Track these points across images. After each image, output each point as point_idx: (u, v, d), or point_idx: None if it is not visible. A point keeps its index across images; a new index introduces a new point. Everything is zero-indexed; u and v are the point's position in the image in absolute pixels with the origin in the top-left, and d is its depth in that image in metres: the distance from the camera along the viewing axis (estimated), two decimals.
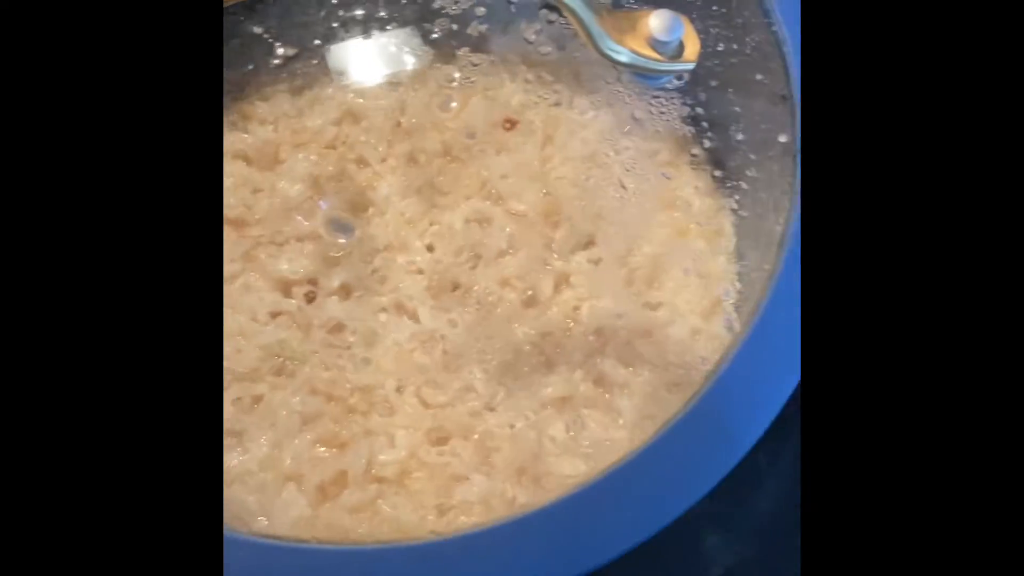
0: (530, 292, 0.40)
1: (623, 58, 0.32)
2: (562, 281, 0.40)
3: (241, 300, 0.40)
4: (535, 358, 0.39)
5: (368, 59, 0.45)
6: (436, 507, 0.37)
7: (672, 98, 0.40)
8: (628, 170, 0.37)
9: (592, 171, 0.38)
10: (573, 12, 0.31)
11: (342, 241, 0.41)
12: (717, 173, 0.42)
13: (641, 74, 0.33)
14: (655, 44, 0.32)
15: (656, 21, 0.34)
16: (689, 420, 0.32)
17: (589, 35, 0.30)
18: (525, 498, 0.37)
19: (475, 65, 0.43)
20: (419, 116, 0.44)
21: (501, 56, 0.43)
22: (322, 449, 0.38)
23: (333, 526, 0.37)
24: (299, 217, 0.41)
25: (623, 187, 0.37)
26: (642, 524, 0.32)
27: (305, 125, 0.43)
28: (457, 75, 0.43)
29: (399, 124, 0.44)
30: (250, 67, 0.43)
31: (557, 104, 0.41)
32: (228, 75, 0.43)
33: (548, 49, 0.42)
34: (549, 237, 0.41)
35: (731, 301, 0.39)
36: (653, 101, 0.39)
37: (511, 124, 0.43)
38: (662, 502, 0.33)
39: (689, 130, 0.42)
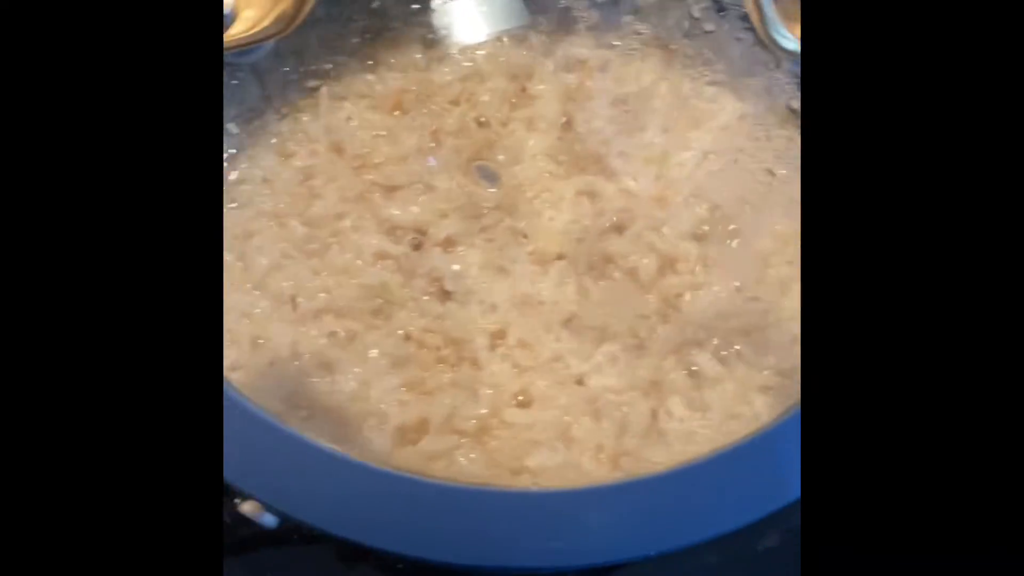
0: (632, 271, 0.40)
1: (790, 46, 0.31)
2: (668, 266, 0.40)
3: (348, 238, 0.41)
4: (629, 338, 0.39)
5: (508, 13, 0.45)
6: (510, 468, 0.37)
7: None
8: (778, 157, 0.37)
9: (740, 152, 0.37)
10: None
11: (492, 181, 0.41)
12: None
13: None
14: None
15: None
16: (780, 431, 0.31)
17: (762, 17, 0.30)
18: (600, 474, 0.37)
19: (638, 34, 0.43)
20: (546, 83, 0.43)
21: (664, 27, 0.42)
22: (408, 393, 0.38)
23: (407, 469, 0.37)
24: (416, 166, 0.42)
25: (771, 173, 0.36)
26: (710, 522, 0.32)
27: (431, 79, 0.44)
28: (618, 43, 0.43)
29: (524, 89, 0.44)
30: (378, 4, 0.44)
31: (713, 83, 0.40)
32: (364, 21, 0.44)
33: (711, 27, 0.41)
34: (660, 220, 0.40)
35: None
36: None
37: (633, 104, 0.43)
38: (736, 506, 0.32)
39: None
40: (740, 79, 0.39)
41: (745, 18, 0.29)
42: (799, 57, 0.30)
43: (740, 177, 0.37)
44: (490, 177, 0.41)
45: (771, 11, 0.29)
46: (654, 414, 0.38)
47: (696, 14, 0.41)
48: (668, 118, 0.42)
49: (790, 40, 0.30)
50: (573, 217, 0.41)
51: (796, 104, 0.37)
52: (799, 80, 0.37)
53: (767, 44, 0.30)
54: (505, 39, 0.45)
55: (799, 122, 0.37)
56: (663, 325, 0.39)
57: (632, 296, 0.40)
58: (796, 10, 0.30)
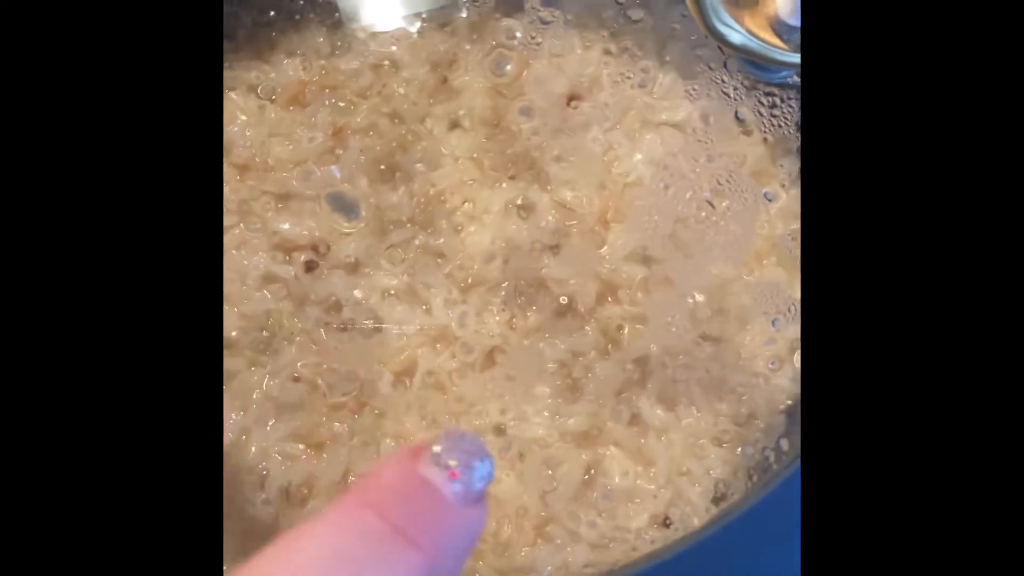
0: (565, 300, 0.34)
1: (736, 39, 0.24)
2: (608, 293, 0.34)
3: (229, 257, 0.34)
4: (560, 380, 0.33)
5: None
6: None
7: (790, 99, 0.31)
8: (719, 185, 0.29)
9: (673, 178, 0.30)
10: None
11: (356, 208, 0.35)
12: None
13: (755, 63, 0.25)
14: (779, 27, 0.24)
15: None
16: (754, 514, 0.25)
17: (699, 4, 0.23)
18: (522, 544, 0.31)
19: (545, 23, 0.36)
20: (472, 74, 0.37)
21: (578, 16, 0.35)
22: (296, 445, 0.32)
23: None
24: (315, 171, 0.35)
25: (710, 205, 0.29)
26: None
27: (336, 67, 0.37)
28: (519, 33, 0.36)
29: (445, 80, 0.37)
30: None
31: (641, 85, 0.33)
32: None
33: (640, 15, 0.34)
34: (600, 239, 0.34)
35: None
36: (764, 99, 0.31)
37: (577, 101, 0.36)
38: None
39: None
40: (677, 81, 0.32)
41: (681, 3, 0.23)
42: (750, 54, 0.23)
43: (671, 207, 0.31)
44: (368, 190, 0.34)
45: None
46: (588, 470, 0.32)
47: None
48: (614, 115, 0.36)
49: (738, 32, 0.23)
50: (500, 234, 0.35)
51: (745, 113, 0.30)
52: (751, 83, 0.30)
53: (709, 37, 0.23)
54: (424, 22, 0.38)
55: (749, 138, 0.31)
56: (601, 362, 0.33)
57: (566, 328, 0.34)
58: None
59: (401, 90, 0.37)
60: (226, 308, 0.33)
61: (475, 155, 0.36)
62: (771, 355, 0.32)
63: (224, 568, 0.27)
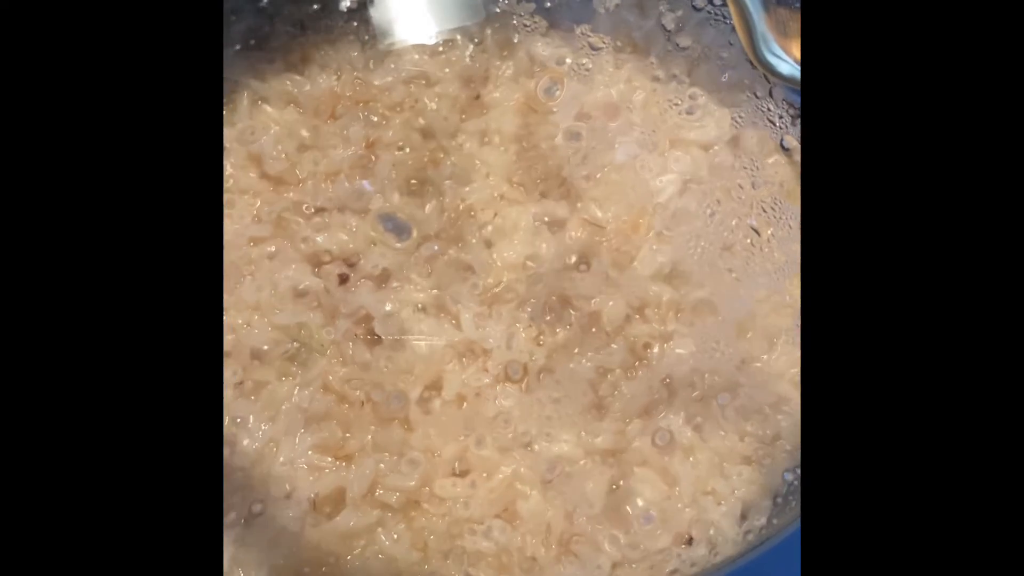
0: (593, 316, 0.34)
1: (784, 69, 0.24)
2: (635, 312, 0.34)
3: (262, 268, 0.34)
4: (587, 396, 0.33)
5: (462, 8, 0.38)
6: (441, 551, 0.31)
7: None
8: (764, 212, 0.30)
9: (719, 205, 0.31)
10: (738, 1, 0.23)
11: (408, 229, 0.35)
12: None
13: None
14: None
15: None
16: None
17: (750, 33, 0.23)
18: (548, 561, 0.31)
19: (595, 49, 0.36)
20: (503, 90, 0.37)
21: (627, 43, 0.36)
22: (323, 457, 0.32)
23: (318, 547, 0.32)
24: (346, 184, 0.36)
25: (755, 232, 0.30)
26: None
27: (370, 81, 0.37)
28: (569, 60, 0.36)
29: (478, 96, 0.37)
30: (316, 7, 0.38)
31: (689, 112, 0.34)
32: (291, 11, 0.37)
33: (688, 42, 0.34)
34: (629, 258, 0.34)
35: None
36: None
37: (612, 120, 0.37)
38: None
39: None
40: (723, 109, 0.32)
41: (731, 31, 0.23)
42: (797, 83, 0.23)
43: (716, 233, 0.31)
44: (402, 204, 0.34)
45: (762, 24, 0.22)
46: (614, 488, 0.32)
47: (669, 25, 0.34)
48: (644, 134, 0.36)
49: (786, 62, 0.23)
50: (529, 250, 0.35)
51: (789, 142, 0.31)
52: (796, 112, 0.30)
53: (756, 66, 0.23)
54: (458, 38, 0.38)
55: (794, 166, 0.31)
56: (628, 381, 0.33)
57: (593, 345, 0.34)
58: (793, 25, 0.23)
59: (433, 105, 0.37)
60: (257, 319, 0.34)
61: (506, 171, 0.36)
62: (798, 375, 0.32)
63: None
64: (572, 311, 0.34)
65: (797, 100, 0.25)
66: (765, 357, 0.33)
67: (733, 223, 0.30)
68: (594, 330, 0.34)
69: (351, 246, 0.35)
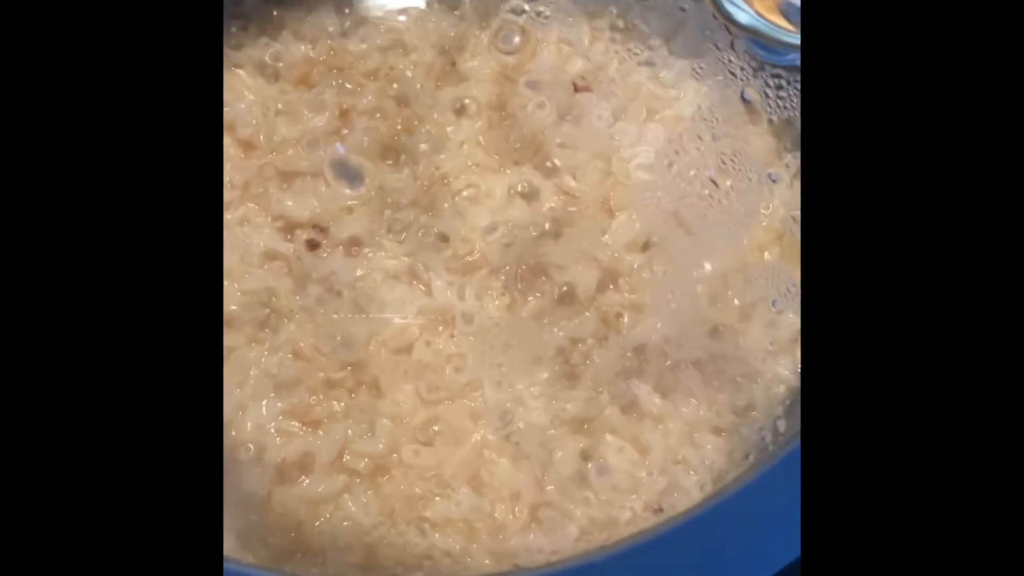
0: (566, 288, 0.34)
1: (744, 19, 0.23)
2: (609, 281, 0.34)
3: (232, 233, 0.34)
4: (558, 365, 0.33)
5: None
6: (406, 518, 0.31)
7: (797, 81, 0.31)
8: (724, 164, 0.29)
9: (677, 156, 0.30)
10: None
11: (359, 190, 0.35)
12: None
13: (763, 44, 0.25)
14: (788, 9, 0.24)
15: None
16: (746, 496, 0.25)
17: None
18: (516, 528, 0.31)
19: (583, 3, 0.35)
20: (480, 59, 0.37)
21: None
22: (292, 422, 0.32)
23: (286, 512, 0.31)
24: (320, 151, 0.35)
25: (714, 183, 0.29)
26: None
27: (345, 48, 0.37)
28: (527, 7, 0.36)
29: (453, 64, 0.37)
30: None
31: (649, 63, 0.33)
32: None
33: None
34: (603, 226, 0.34)
35: None
36: (771, 81, 0.30)
37: (583, 87, 0.36)
38: None
39: None
40: (684, 61, 0.32)
41: None
42: (758, 35, 0.23)
43: (674, 186, 0.30)
44: (370, 172, 0.34)
45: None
46: (584, 456, 0.32)
47: None
48: (617, 101, 0.36)
49: (745, 12, 0.23)
50: (503, 218, 0.35)
51: (751, 95, 0.30)
52: (758, 64, 0.30)
53: (716, 16, 0.23)
54: (435, 4, 0.38)
55: (755, 118, 0.31)
56: (599, 349, 0.33)
57: (566, 314, 0.34)
58: None
59: (408, 73, 0.37)
60: (227, 284, 0.34)
61: (480, 139, 0.36)
62: (771, 344, 0.32)
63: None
64: (545, 280, 0.34)
65: (759, 52, 0.25)
66: (737, 325, 0.33)
67: (691, 174, 0.30)
68: (567, 299, 0.34)
69: (321, 212, 0.35)
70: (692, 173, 0.29)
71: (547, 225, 0.35)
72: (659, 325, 0.32)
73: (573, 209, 0.35)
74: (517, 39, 0.35)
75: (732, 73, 0.30)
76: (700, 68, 0.31)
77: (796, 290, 0.32)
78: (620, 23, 0.34)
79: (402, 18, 0.38)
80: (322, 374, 0.33)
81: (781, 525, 0.24)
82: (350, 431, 0.32)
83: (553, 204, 0.35)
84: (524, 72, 0.36)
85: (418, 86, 0.37)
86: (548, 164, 0.35)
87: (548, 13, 0.35)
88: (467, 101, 0.37)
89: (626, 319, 0.33)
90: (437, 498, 0.31)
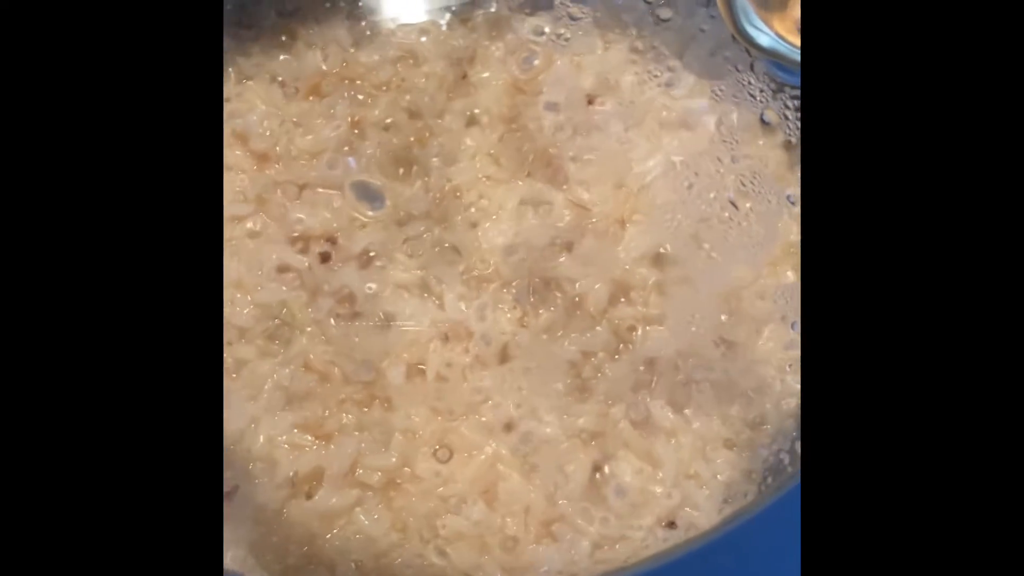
0: (578, 300, 0.34)
1: (764, 41, 0.23)
2: (621, 294, 0.34)
3: (245, 246, 0.34)
4: (571, 379, 0.33)
5: None
6: (419, 532, 0.31)
7: None
8: (743, 186, 0.29)
9: (697, 177, 0.30)
10: None
11: (381, 196, 0.34)
12: None
13: (782, 66, 0.25)
14: None
15: None
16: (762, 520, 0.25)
17: (728, 5, 0.22)
18: (529, 543, 0.31)
19: (573, 20, 0.36)
20: (491, 71, 0.37)
21: (606, 14, 0.35)
22: (304, 435, 0.32)
23: (298, 526, 0.31)
24: (329, 163, 0.35)
25: (733, 206, 0.29)
26: None
27: (357, 59, 0.37)
28: (547, 29, 0.36)
29: (465, 76, 0.37)
30: None
31: (668, 85, 0.33)
32: None
33: (669, 14, 0.34)
34: (616, 239, 0.34)
35: None
36: (790, 103, 0.31)
37: (598, 100, 0.36)
38: None
39: None
40: (703, 81, 0.32)
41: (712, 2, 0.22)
42: (778, 57, 0.23)
43: (694, 207, 0.30)
44: (384, 184, 0.34)
45: None
46: (596, 470, 0.32)
47: None
48: (632, 117, 0.36)
49: (766, 35, 0.23)
50: (515, 231, 0.35)
51: (770, 116, 0.30)
52: (777, 86, 0.30)
53: (736, 39, 0.23)
54: (447, 16, 0.38)
55: (774, 140, 0.31)
56: (611, 363, 0.33)
57: (577, 328, 0.34)
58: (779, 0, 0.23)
59: (420, 84, 0.37)
60: (239, 296, 0.34)
61: (492, 152, 0.36)
62: (785, 359, 0.32)
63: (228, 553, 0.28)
64: (557, 293, 0.34)
65: (779, 74, 0.25)
66: (751, 342, 0.33)
67: (711, 196, 0.30)
68: (578, 312, 0.34)
69: (334, 225, 0.35)
70: (712, 195, 0.29)
71: (559, 238, 0.35)
72: (672, 340, 0.32)
73: (585, 222, 0.35)
74: (537, 61, 0.35)
75: (751, 95, 0.30)
76: (720, 90, 0.31)
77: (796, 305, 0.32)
78: (639, 44, 0.34)
79: (414, 30, 0.38)
80: (334, 387, 0.33)
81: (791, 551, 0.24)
82: (363, 445, 0.32)
83: (565, 217, 0.35)
84: (537, 85, 0.37)
85: (428, 98, 0.37)
86: (560, 177, 0.36)
87: (568, 35, 0.35)
88: (478, 112, 0.37)
89: (639, 333, 0.33)
90: (449, 512, 0.31)
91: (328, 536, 0.31)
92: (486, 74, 0.37)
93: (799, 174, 0.30)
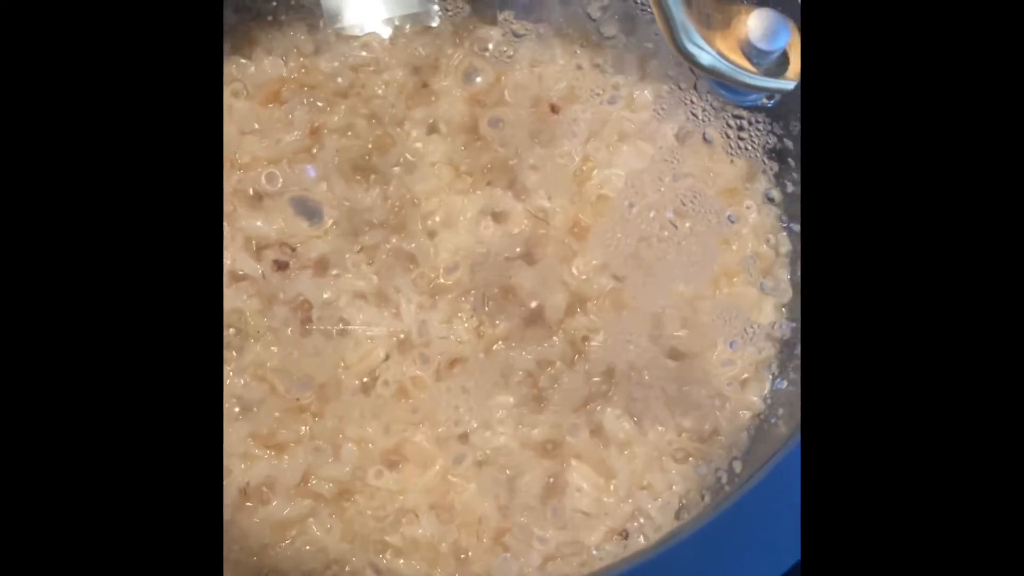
0: (535, 310, 0.34)
1: (705, 60, 0.23)
2: (577, 304, 0.34)
3: None
4: (526, 389, 0.33)
5: (407, 3, 0.38)
6: (372, 542, 0.31)
7: (758, 122, 0.31)
8: (684, 204, 0.29)
9: (639, 196, 0.30)
10: None
11: (320, 212, 0.34)
12: (796, 227, 0.34)
13: (725, 85, 0.25)
14: (750, 51, 0.24)
15: (756, 22, 0.24)
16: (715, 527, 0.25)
17: (669, 23, 0.22)
18: (481, 554, 0.31)
19: (517, 36, 0.36)
20: (452, 79, 0.37)
21: (555, 29, 0.35)
22: (256, 446, 0.32)
23: (249, 536, 0.31)
24: (287, 171, 0.35)
25: (673, 226, 0.30)
26: None
27: (317, 66, 0.37)
28: (491, 45, 0.36)
29: (425, 85, 0.37)
30: None
31: (611, 102, 0.34)
32: None
33: (613, 31, 0.34)
34: (572, 250, 0.34)
35: (774, 373, 0.32)
36: (732, 121, 0.31)
37: (555, 109, 0.36)
38: None
39: (772, 166, 0.34)
40: (649, 98, 0.32)
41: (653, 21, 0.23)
42: (720, 76, 0.23)
43: (633, 225, 0.31)
44: (342, 192, 0.34)
45: (681, 14, 0.22)
46: (550, 480, 0.32)
47: (594, 14, 0.34)
48: (589, 128, 0.36)
49: (708, 53, 0.23)
50: (473, 240, 0.35)
51: (713, 134, 0.31)
52: (720, 104, 0.30)
53: (679, 57, 0.23)
54: (409, 25, 0.38)
55: (716, 158, 0.31)
56: (568, 373, 0.33)
57: (534, 338, 0.34)
58: (721, 18, 0.23)
59: (380, 92, 0.37)
60: None
61: (452, 160, 0.36)
62: (735, 373, 0.32)
63: None
64: (514, 303, 0.34)
65: (721, 92, 0.25)
66: (705, 354, 0.33)
67: (651, 215, 0.30)
68: (536, 322, 0.34)
69: (290, 233, 0.34)
70: (652, 214, 0.29)
71: (517, 248, 0.35)
72: (626, 351, 0.32)
73: (543, 232, 0.35)
74: (480, 79, 0.35)
75: (694, 114, 0.30)
76: (662, 108, 0.31)
77: (750, 324, 0.32)
78: (584, 62, 0.35)
79: (375, 38, 0.37)
80: (287, 397, 0.32)
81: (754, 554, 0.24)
82: (315, 455, 0.32)
83: (523, 227, 0.35)
84: (496, 94, 0.37)
85: (390, 105, 0.37)
86: (519, 186, 0.36)
87: (511, 52, 0.36)
88: (438, 121, 0.37)
89: (593, 343, 0.33)
90: (402, 522, 0.31)
91: (280, 546, 0.31)
92: (446, 83, 0.37)
93: (742, 192, 0.31)
